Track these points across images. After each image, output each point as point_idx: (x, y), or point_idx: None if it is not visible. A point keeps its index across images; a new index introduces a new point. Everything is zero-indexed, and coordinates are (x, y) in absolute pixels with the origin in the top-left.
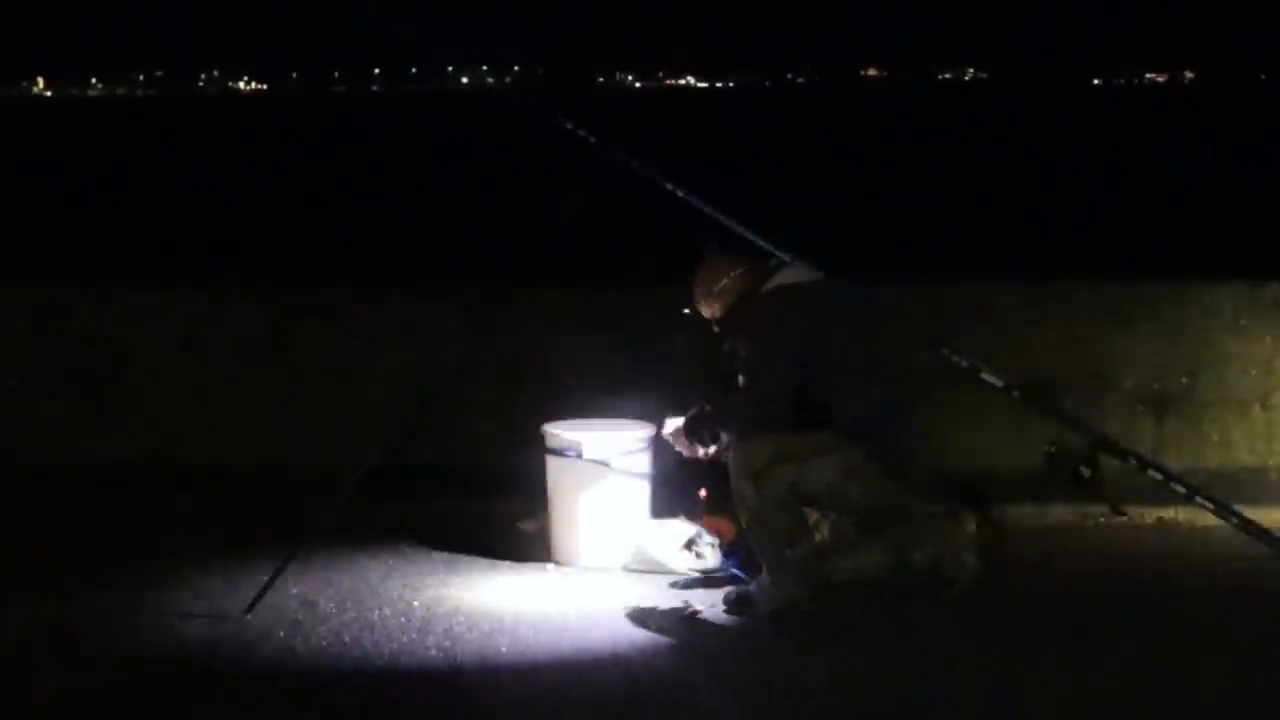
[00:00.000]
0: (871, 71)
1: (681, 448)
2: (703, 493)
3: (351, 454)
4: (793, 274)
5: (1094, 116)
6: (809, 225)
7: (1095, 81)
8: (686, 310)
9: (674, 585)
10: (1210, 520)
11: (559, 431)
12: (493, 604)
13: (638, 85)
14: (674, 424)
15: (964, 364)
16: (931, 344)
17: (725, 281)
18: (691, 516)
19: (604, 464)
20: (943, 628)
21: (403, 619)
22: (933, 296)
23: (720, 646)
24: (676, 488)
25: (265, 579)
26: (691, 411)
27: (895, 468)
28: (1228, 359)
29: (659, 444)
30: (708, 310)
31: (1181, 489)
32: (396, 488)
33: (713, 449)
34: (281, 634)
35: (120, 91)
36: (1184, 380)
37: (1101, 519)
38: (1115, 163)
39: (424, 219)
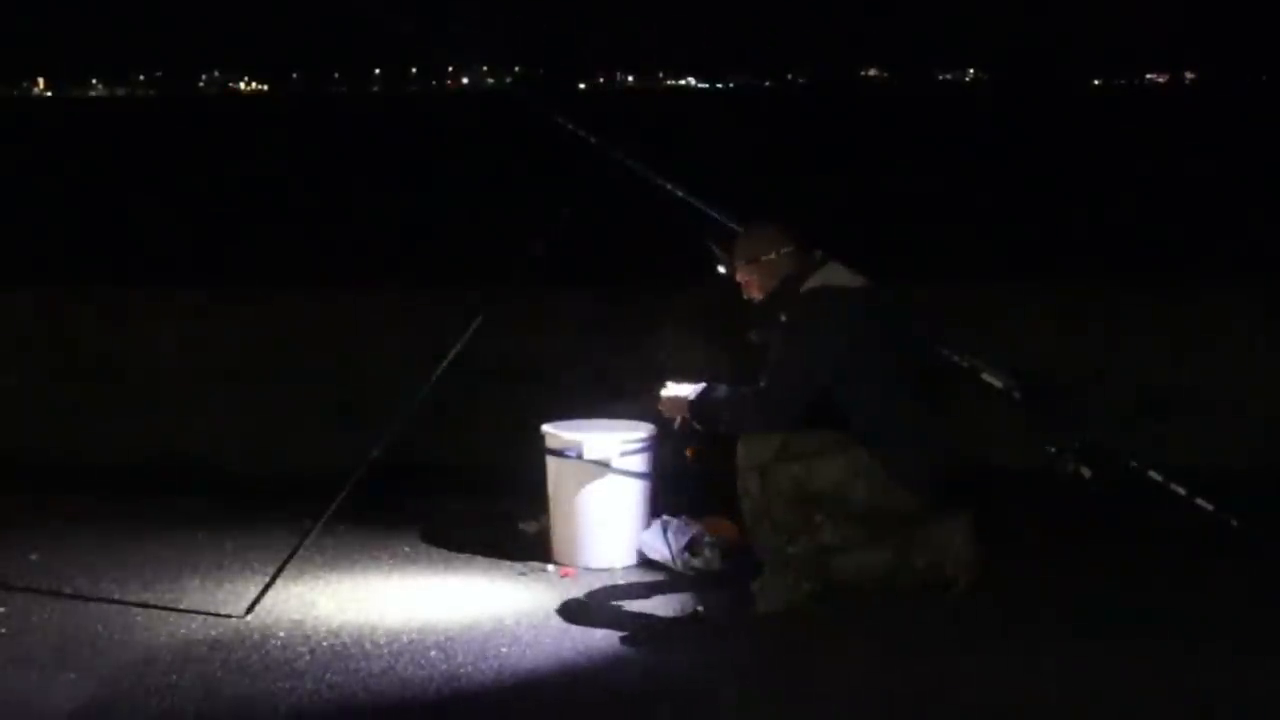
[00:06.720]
0: (872, 72)
1: (670, 412)
2: (689, 452)
3: (352, 454)
4: (835, 274)
5: (1094, 117)
6: (808, 226)
7: (1095, 82)
8: (721, 269)
9: (675, 585)
10: (1211, 520)
11: (559, 431)
12: (494, 604)
13: (637, 85)
14: (676, 390)
15: (965, 364)
16: (933, 345)
17: (773, 255)
18: (693, 517)
19: (604, 464)
20: (944, 629)
21: (403, 619)
22: (932, 297)
23: (721, 647)
24: (677, 488)
25: (265, 579)
26: (701, 386)
27: (900, 469)
28: (1229, 359)
29: (659, 443)
30: (744, 278)
31: (1182, 490)
32: (397, 487)
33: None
34: (281, 634)
35: (120, 92)
36: (1185, 381)
37: (1102, 519)
38: (1115, 163)
39: (424, 219)
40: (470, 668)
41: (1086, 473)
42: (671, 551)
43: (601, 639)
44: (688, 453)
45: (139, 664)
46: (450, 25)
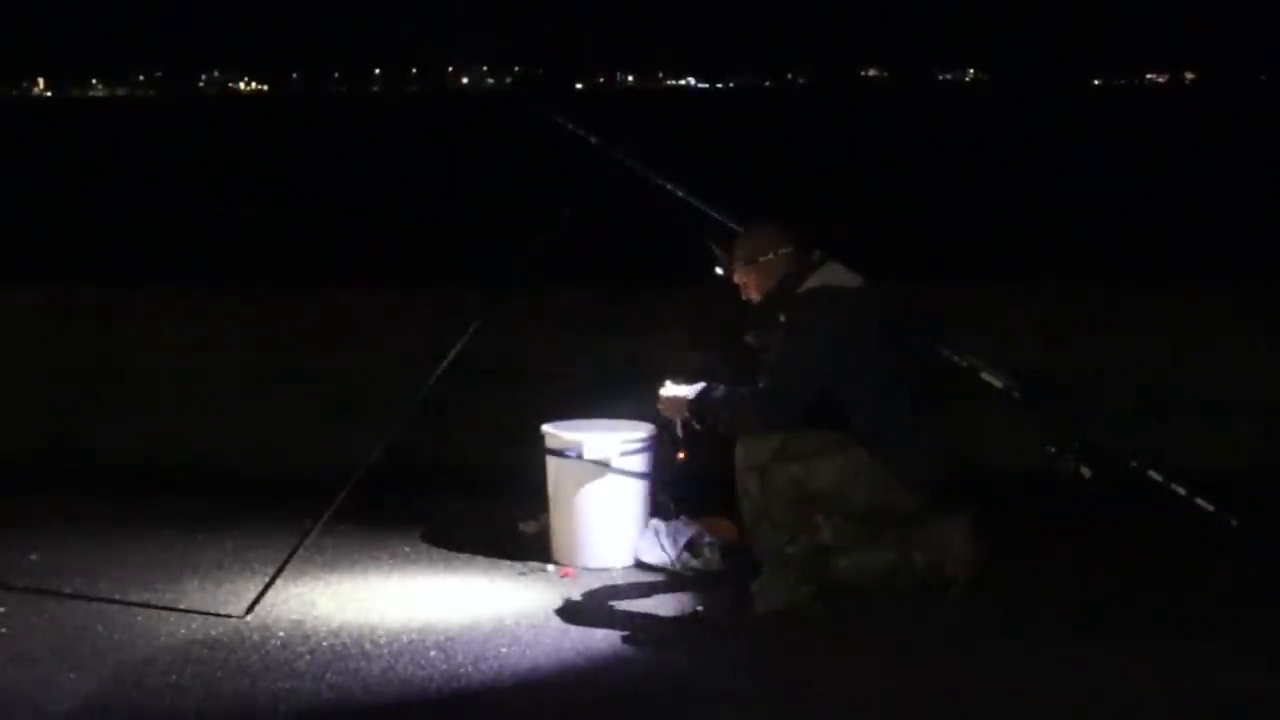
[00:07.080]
0: (871, 72)
1: (670, 412)
2: (680, 455)
3: (352, 454)
4: (833, 274)
5: (1094, 117)
6: (807, 226)
7: (1095, 82)
8: (719, 270)
9: (674, 585)
10: (1211, 520)
11: (559, 431)
12: (493, 604)
13: (636, 85)
14: (674, 390)
15: (965, 364)
16: (933, 345)
17: (771, 256)
18: (693, 517)
19: (604, 464)
20: (943, 629)
21: (403, 619)
22: (932, 297)
23: (721, 647)
24: (677, 489)
25: (265, 579)
26: (700, 386)
27: (900, 469)
28: (1229, 359)
29: (659, 444)
30: (743, 279)
31: (1182, 490)
32: (397, 487)
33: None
34: (281, 634)
35: (120, 92)
36: (1185, 381)
37: (1102, 519)
38: (1115, 163)
39: (424, 219)
40: (470, 668)
41: (1086, 473)
42: (670, 552)
43: (601, 639)
44: (680, 455)
45: (139, 664)
46: (450, 25)
